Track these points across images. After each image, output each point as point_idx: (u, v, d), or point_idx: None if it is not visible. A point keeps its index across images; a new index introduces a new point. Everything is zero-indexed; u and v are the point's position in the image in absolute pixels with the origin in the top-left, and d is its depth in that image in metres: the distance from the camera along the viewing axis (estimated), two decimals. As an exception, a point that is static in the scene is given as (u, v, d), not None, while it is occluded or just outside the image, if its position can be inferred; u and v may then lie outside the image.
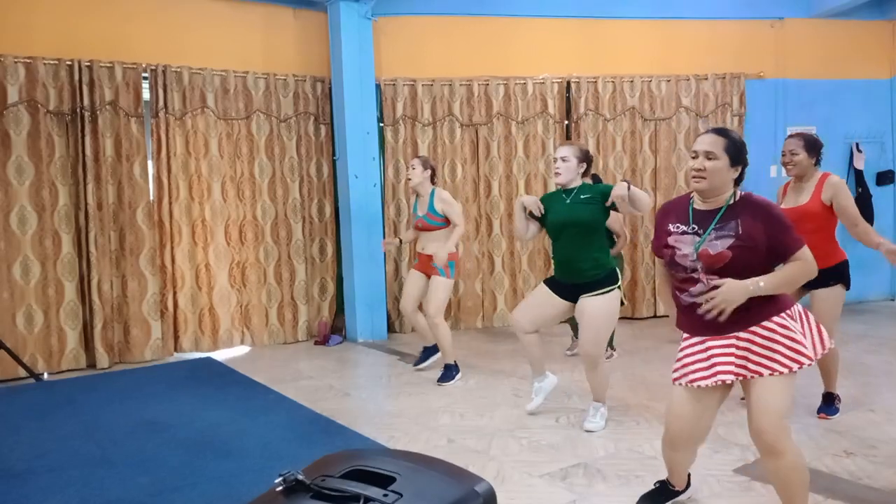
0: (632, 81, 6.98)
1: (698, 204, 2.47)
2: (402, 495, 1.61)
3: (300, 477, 1.67)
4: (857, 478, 3.01)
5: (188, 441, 3.66)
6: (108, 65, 5.61)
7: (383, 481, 1.67)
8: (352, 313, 6.48)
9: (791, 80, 7.29)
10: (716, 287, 2.33)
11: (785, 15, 7.27)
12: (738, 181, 2.44)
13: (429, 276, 4.87)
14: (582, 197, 3.65)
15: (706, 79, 7.09)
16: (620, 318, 6.94)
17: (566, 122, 7.01)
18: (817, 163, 3.72)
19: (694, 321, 2.45)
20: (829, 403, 3.87)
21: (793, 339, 2.31)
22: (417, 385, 4.82)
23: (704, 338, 2.44)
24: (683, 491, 2.84)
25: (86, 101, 5.50)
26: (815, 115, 7.22)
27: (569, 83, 6.94)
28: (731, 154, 2.39)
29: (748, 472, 3.08)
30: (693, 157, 2.44)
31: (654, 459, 3.27)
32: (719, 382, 2.39)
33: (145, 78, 5.82)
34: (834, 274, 3.67)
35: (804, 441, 3.46)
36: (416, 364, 5.27)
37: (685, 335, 2.53)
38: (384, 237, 6.46)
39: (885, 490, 2.89)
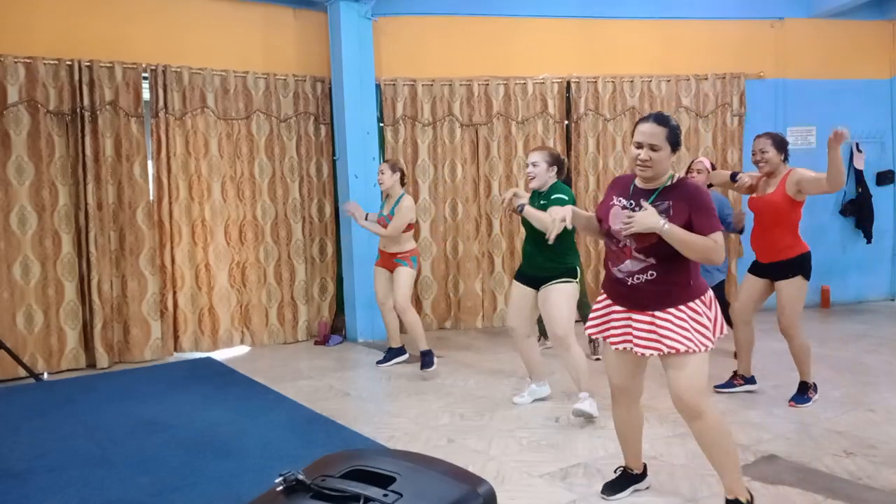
0: (632, 81, 6.98)
1: (639, 182, 2.64)
2: (402, 495, 1.61)
3: (300, 477, 1.67)
4: (857, 478, 3.01)
5: (188, 441, 3.66)
6: (108, 65, 5.61)
7: (383, 481, 1.67)
8: (352, 313, 6.48)
9: (791, 80, 7.29)
10: (652, 269, 2.54)
11: (785, 15, 7.27)
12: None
13: (391, 271, 5.14)
14: (542, 202, 3.87)
15: (706, 79, 7.09)
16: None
17: (566, 122, 7.01)
18: (785, 159, 3.97)
19: (622, 293, 2.64)
20: (802, 393, 4.04)
21: (701, 324, 2.52)
22: (417, 385, 4.82)
23: (628, 310, 2.63)
24: (642, 477, 2.94)
25: (86, 101, 5.50)
26: (815, 115, 7.23)
27: (569, 83, 6.94)
28: (671, 142, 2.54)
29: (747, 471, 3.07)
30: (637, 147, 2.54)
31: (654, 459, 3.28)
32: (636, 353, 2.61)
33: (145, 78, 5.82)
34: (793, 265, 3.90)
35: (804, 441, 3.46)
36: (379, 362, 5.44)
37: (608, 298, 2.72)
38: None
39: (885, 490, 2.89)
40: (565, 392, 4.47)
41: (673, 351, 2.51)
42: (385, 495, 1.61)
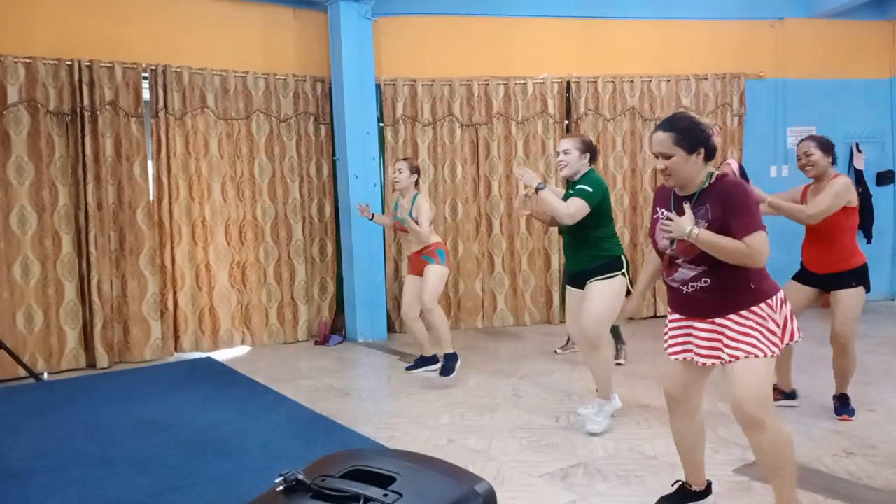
0: (632, 81, 6.98)
1: (678, 190, 2.50)
2: (402, 495, 1.61)
3: (300, 477, 1.67)
4: (857, 478, 3.01)
5: (188, 441, 3.66)
6: (108, 65, 5.61)
7: (383, 481, 1.67)
8: (352, 313, 6.48)
9: (791, 80, 7.28)
10: (705, 276, 2.41)
11: (785, 15, 7.27)
12: (708, 158, 2.41)
13: (422, 275, 4.78)
14: (570, 192, 3.69)
15: (706, 79, 7.09)
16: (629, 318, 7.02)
17: (566, 122, 7.00)
18: (833, 162, 3.72)
19: (680, 303, 2.52)
20: (846, 404, 3.83)
21: (767, 328, 2.34)
22: (417, 385, 4.82)
23: (687, 318, 2.50)
24: (704, 495, 2.73)
25: (86, 101, 5.50)
26: (815, 115, 7.22)
27: (569, 83, 6.94)
28: (684, 146, 2.37)
29: (748, 472, 3.07)
30: (655, 157, 2.46)
31: (654, 459, 3.28)
32: (695, 363, 2.48)
33: (145, 78, 5.82)
34: (857, 275, 3.71)
35: (804, 441, 3.46)
36: (408, 367, 5.06)
37: (671, 311, 2.61)
38: (384, 238, 6.46)
39: (885, 490, 2.89)
40: (565, 392, 4.48)
41: (733, 359, 2.35)
42: (385, 495, 1.61)
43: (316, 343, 6.39)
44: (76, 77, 5.47)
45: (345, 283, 6.61)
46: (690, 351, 2.49)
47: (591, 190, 3.61)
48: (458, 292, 6.85)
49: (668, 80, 7.03)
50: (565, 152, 3.71)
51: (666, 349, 2.61)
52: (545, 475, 3.16)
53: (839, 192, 3.58)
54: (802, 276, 3.90)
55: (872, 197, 7.41)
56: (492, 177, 6.85)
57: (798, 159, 3.78)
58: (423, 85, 6.69)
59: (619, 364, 5.02)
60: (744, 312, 2.35)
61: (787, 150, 7.24)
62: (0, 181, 5.26)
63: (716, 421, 3.68)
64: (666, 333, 2.62)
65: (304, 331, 6.52)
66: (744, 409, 2.34)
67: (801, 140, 3.83)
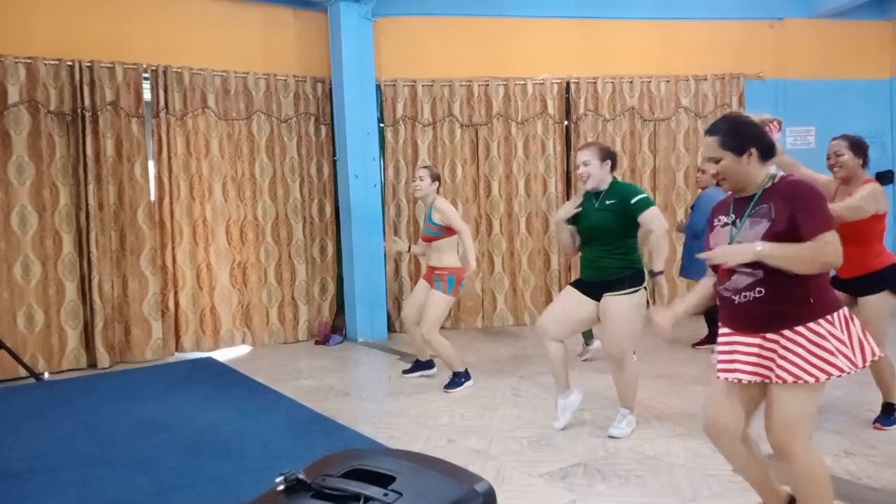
0: (631, 82, 6.98)
1: (737, 193, 2.36)
2: (402, 495, 1.61)
3: (301, 476, 1.67)
4: (857, 478, 3.01)
5: (188, 441, 3.66)
6: (109, 65, 5.62)
7: (383, 481, 1.67)
8: (352, 313, 6.48)
9: (791, 80, 7.29)
10: (760, 284, 2.23)
11: (785, 15, 7.27)
12: (765, 157, 2.28)
13: (433, 287, 4.68)
14: (608, 203, 3.53)
15: (706, 79, 7.09)
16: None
17: (566, 122, 7.01)
18: (864, 164, 3.58)
19: (730, 314, 2.32)
20: (888, 414, 3.65)
21: (823, 348, 2.14)
22: (417, 385, 4.82)
23: (734, 332, 2.31)
24: None
25: (86, 102, 5.51)
26: (815, 116, 7.23)
27: (568, 84, 6.94)
28: (731, 147, 2.25)
29: (748, 472, 3.07)
30: (710, 162, 2.35)
31: (654, 459, 3.28)
32: (735, 380, 2.27)
33: (146, 78, 5.83)
34: (881, 278, 3.51)
35: (804, 441, 3.46)
36: (405, 371, 5.11)
37: (722, 325, 2.40)
38: (384, 237, 6.46)
39: (885, 490, 2.89)
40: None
41: (780, 381, 2.17)
42: (385, 495, 1.61)
43: (316, 343, 6.39)
44: (77, 77, 5.48)
45: (345, 283, 6.61)
46: (735, 371, 2.27)
47: (646, 195, 3.51)
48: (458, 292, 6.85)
49: (668, 81, 7.03)
50: (585, 164, 3.54)
51: (717, 368, 2.38)
52: (545, 475, 3.16)
53: (874, 193, 3.45)
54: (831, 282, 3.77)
55: (872, 197, 7.40)
56: (492, 177, 6.85)
57: (827, 158, 3.63)
58: (423, 85, 6.69)
59: (586, 360, 5.13)
60: (799, 328, 2.16)
61: (786, 150, 7.21)
62: (1, 181, 5.26)
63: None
64: (717, 351, 2.41)
65: (305, 331, 6.52)
66: (773, 441, 2.22)
67: (834, 139, 3.67)
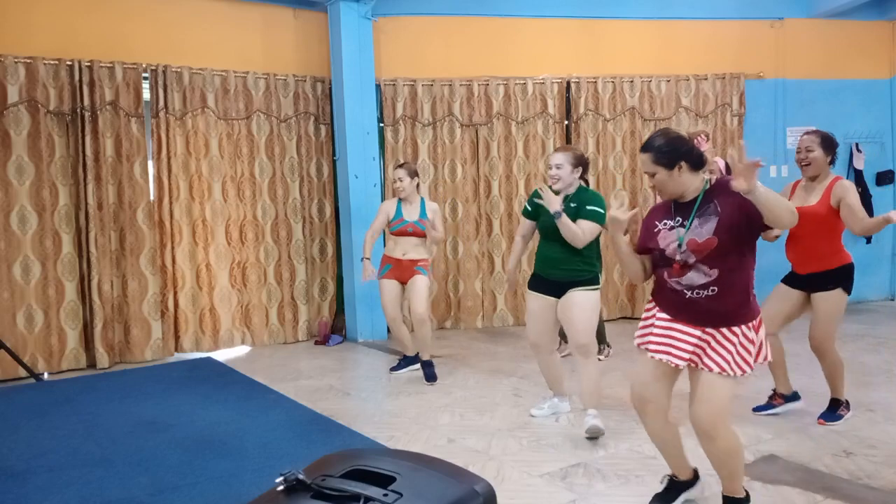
0: (631, 81, 6.98)
1: (679, 199, 2.57)
2: (402, 495, 1.61)
3: (301, 476, 1.67)
4: (857, 478, 3.02)
5: (188, 441, 3.66)
6: (109, 65, 5.61)
7: (383, 481, 1.67)
8: (352, 313, 6.48)
9: (791, 80, 7.29)
10: (713, 284, 2.47)
11: (785, 15, 7.27)
12: (696, 168, 2.50)
13: (404, 282, 4.89)
14: (572, 206, 3.66)
15: (706, 79, 7.09)
16: (619, 318, 7.06)
17: (566, 122, 7.01)
18: (832, 162, 3.62)
19: (678, 306, 2.55)
20: (832, 410, 3.75)
21: (746, 349, 2.46)
22: (417, 385, 4.82)
23: (674, 320, 2.56)
24: (693, 483, 2.81)
25: (86, 101, 5.50)
26: (815, 115, 7.22)
27: (569, 83, 6.94)
28: (663, 163, 2.48)
29: (747, 471, 3.07)
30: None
31: (654, 459, 3.27)
32: (670, 363, 2.53)
33: (145, 78, 5.83)
34: (833, 276, 3.59)
35: (804, 441, 3.46)
36: (393, 369, 5.21)
37: (658, 308, 2.64)
38: (384, 238, 6.44)
39: (884, 490, 2.89)
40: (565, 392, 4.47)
41: (706, 368, 2.47)
42: (385, 495, 1.61)
43: (316, 343, 6.39)
44: (76, 77, 5.48)
45: (345, 283, 6.61)
46: (668, 353, 2.54)
47: (602, 212, 3.60)
48: (458, 292, 6.86)
49: (668, 81, 7.03)
50: (558, 167, 3.70)
51: (643, 345, 2.65)
52: (545, 475, 3.16)
53: (854, 190, 3.54)
54: (789, 278, 3.79)
55: (872, 197, 7.41)
56: (492, 177, 6.85)
57: (797, 152, 3.67)
58: (423, 85, 6.69)
59: (566, 356, 5.10)
60: (735, 328, 2.46)
61: (786, 150, 7.24)
62: (0, 181, 5.26)
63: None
64: (646, 330, 2.66)
65: (305, 331, 6.52)
66: (699, 422, 2.48)
67: (805, 133, 3.69)
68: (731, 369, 2.44)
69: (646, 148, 2.53)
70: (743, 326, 2.46)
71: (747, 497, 2.62)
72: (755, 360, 2.49)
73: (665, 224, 2.57)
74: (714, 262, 2.44)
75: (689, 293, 2.50)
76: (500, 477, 3.14)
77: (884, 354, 5.29)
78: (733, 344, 2.45)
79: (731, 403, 2.53)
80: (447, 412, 4.18)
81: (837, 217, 3.55)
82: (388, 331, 6.56)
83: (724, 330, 2.46)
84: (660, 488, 2.83)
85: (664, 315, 2.60)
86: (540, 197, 3.65)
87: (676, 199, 2.55)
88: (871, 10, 7.30)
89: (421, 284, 4.83)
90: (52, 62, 5.41)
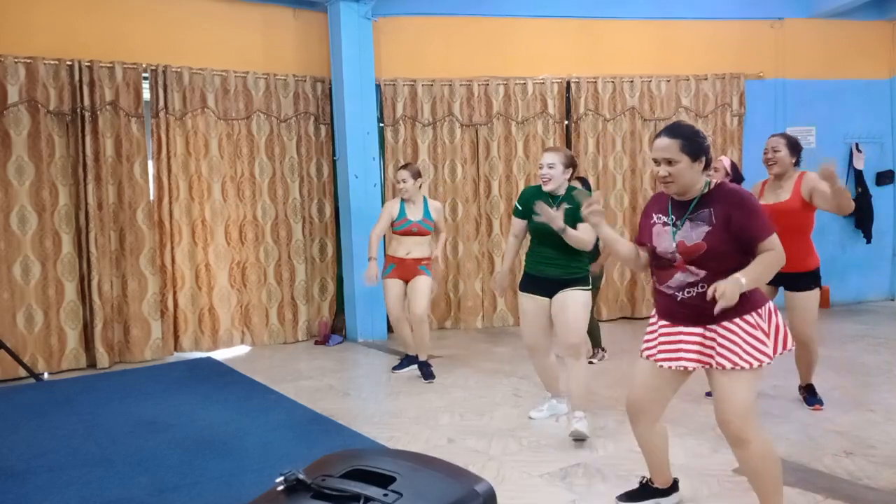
0: (631, 82, 6.98)
1: (677, 196, 2.51)
2: (402, 495, 1.61)
3: (301, 476, 1.67)
4: (857, 478, 3.01)
5: (188, 441, 3.66)
6: (109, 65, 5.61)
7: (383, 481, 1.67)
8: (352, 313, 6.48)
9: (791, 80, 7.29)
10: (702, 281, 2.41)
11: (785, 15, 7.27)
12: (705, 169, 2.47)
13: (408, 281, 4.92)
14: (566, 207, 3.65)
15: (706, 79, 7.09)
16: (619, 318, 7.06)
17: (566, 122, 7.01)
18: (797, 163, 3.83)
19: (672, 309, 2.52)
20: (814, 393, 3.98)
21: (756, 338, 2.37)
22: (417, 385, 4.82)
23: (675, 324, 2.51)
24: (667, 493, 2.78)
25: (86, 102, 5.50)
26: (815, 115, 7.23)
27: (569, 83, 6.94)
28: (689, 152, 2.40)
29: (748, 471, 3.07)
30: (656, 164, 2.46)
31: (654, 459, 3.27)
32: (681, 368, 2.49)
33: (145, 78, 5.83)
34: (812, 277, 3.80)
35: (804, 441, 3.46)
36: (395, 368, 5.24)
37: (658, 317, 2.60)
38: (384, 238, 6.44)
39: (884, 490, 2.89)
40: (565, 392, 4.47)
41: (720, 367, 2.38)
42: (385, 495, 1.61)
43: (316, 343, 6.39)
44: (76, 77, 5.47)
45: (345, 283, 6.61)
46: (681, 359, 2.47)
47: None
48: (458, 292, 6.86)
49: (668, 81, 7.03)
50: (550, 166, 3.70)
51: (648, 354, 2.59)
52: (545, 475, 3.16)
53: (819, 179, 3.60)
54: None
55: (872, 197, 7.41)
56: (492, 177, 6.85)
57: (764, 152, 3.87)
58: (423, 85, 6.69)
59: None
60: (736, 319, 2.38)
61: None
62: (0, 181, 5.26)
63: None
64: (651, 339, 2.59)
65: (305, 331, 6.52)
66: (728, 429, 2.40)
67: (772, 135, 3.90)
68: (744, 361, 2.34)
69: (674, 133, 2.43)
70: (746, 317, 2.37)
71: None
72: (774, 350, 2.39)
73: (660, 219, 2.54)
74: (701, 264, 2.41)
75: (679, 294, 2.47)
76: (500, 477, 3.14)
77: (884, 354, 5.28)
78: (738, 336, 2.37)
79: (753, 400, 2.41)
80: (447, 412, 4.18)
81: (810, 212, 3.74)
82: (389, 331, 6.57)
83: (726, 324, 2.38)
84: (633, 486, 2.84)
85: (665, 322, 2.55)
86: (538, 214, 3.61)
87: (680, 195, 2.48)
88: (871, 10, 7.31)
89: (423, 285, 4.87)
90: (52, 62, 5.41)
